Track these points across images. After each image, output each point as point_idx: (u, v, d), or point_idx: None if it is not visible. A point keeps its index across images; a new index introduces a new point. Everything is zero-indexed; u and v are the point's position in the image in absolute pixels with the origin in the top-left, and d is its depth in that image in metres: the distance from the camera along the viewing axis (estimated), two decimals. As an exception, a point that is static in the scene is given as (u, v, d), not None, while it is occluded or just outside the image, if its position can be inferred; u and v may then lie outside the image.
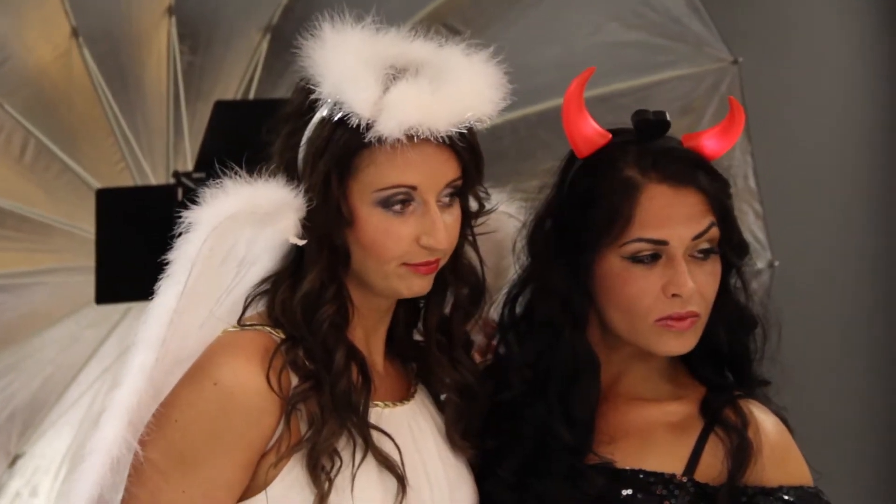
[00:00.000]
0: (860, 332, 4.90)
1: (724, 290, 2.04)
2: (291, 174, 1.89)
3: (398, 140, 1.82)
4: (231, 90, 3.85)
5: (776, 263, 3.92)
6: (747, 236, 3.93)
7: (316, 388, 1.84)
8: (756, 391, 2.07)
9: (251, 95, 3.84)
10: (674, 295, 1.97)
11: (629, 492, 1.97)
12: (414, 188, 1.85)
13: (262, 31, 3.85)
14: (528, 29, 3.77)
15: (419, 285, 1.90)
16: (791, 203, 4.58)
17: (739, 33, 4.18)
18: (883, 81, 4.85)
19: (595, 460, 1.99)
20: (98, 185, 3.68)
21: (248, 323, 1.88)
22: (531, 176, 3.25)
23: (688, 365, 2.08)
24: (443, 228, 1.86)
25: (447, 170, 1.87)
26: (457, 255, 1.96)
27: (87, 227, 3.65)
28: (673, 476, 1.98)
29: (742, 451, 1.98)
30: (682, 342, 2.00)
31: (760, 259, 3.88)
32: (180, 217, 1.89)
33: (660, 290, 1.97)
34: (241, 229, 1.87)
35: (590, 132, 2.04)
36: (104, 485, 1.82)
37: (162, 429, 1.80)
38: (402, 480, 1.86)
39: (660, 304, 1.97)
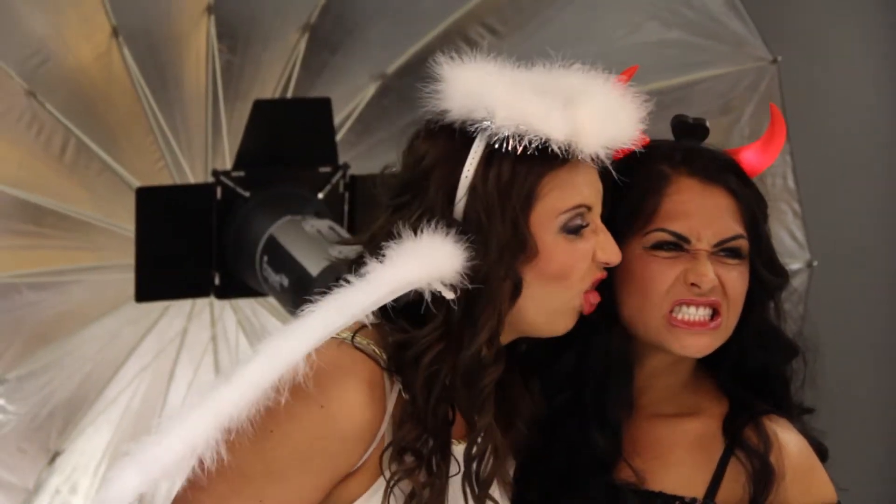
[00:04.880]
0: (900, 332, 4.87)
1: (757, 308, 2.00)
2: (448, 219, 1.81)
3: (580, 160, 1.82)
4: (269, 89, 3.87)
5: (815, 263, 3.91)
6: (785, 236, 3.92)
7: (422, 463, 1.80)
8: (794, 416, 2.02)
9: (289, 94, 3.85)
10: (693, 284, 1.94)
11: None
12: (589, 207, 1.85)
13: (300, 30, 3.86)
14: (566, 28, 3.77)
15: (574, 319, 1.88)
16: (830, 202, 4.55)
17: (779, 32, 4.16)
18: (923, 80, 4.82)
19: (619, 480, 1.96)
20: (137, 183, 3.70)
21: (360, 340, 1.82)
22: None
23: (716, 379, 2.04)
24: (614, 242, 1.87)
25: (600, 189, 1.88)
26: None
27: (126, 225, 3.67)
28: (694, 500, 1.95)
29: (764, 476, 1.94)
30: (699, 340, 1.95)
31: (798, 259, 3.86)
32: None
33: (678, 275, 1.94)
34: (411, 287, 1.79)
35: None
36: (167, 475, 1.75)
37: (255, 435, 1.74)
38: None
39: (677, 288, 1.94)
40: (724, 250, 1.96)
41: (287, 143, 3.68)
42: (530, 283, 1.82)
